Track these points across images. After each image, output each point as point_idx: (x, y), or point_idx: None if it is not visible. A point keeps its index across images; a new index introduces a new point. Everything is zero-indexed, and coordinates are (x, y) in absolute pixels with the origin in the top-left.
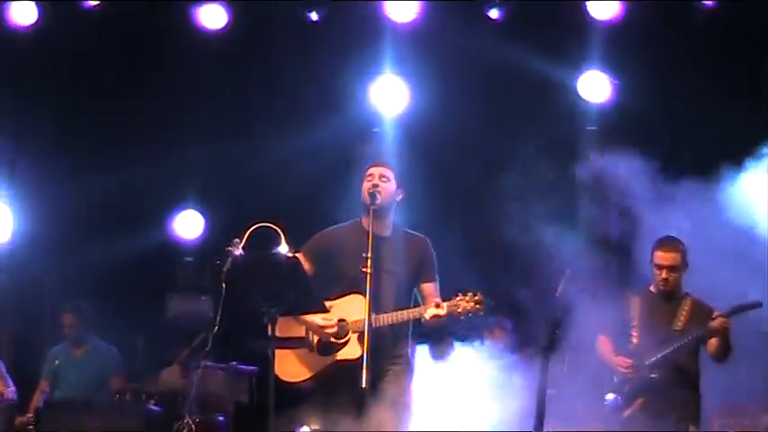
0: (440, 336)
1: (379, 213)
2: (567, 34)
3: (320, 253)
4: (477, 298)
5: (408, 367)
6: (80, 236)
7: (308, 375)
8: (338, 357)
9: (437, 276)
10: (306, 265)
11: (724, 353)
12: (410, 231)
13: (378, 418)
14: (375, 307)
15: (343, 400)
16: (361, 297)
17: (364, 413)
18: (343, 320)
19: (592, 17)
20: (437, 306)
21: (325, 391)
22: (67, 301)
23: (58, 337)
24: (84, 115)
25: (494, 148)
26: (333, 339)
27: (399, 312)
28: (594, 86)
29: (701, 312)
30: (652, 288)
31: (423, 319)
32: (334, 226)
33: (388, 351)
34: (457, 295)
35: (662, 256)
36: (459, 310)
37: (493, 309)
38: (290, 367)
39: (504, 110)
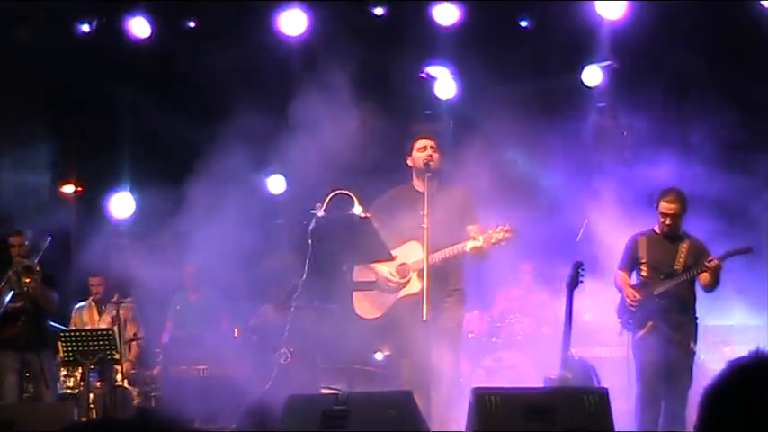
0: None
1: (430, 177)
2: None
3: (384, 212)
4: (506, 228)
5: (463, 299)
6: None
7: (381, 312)
8: (402, 294)
9: (478, 218)
10: (375, 223)
11: (713, 286)
12: (453, 185)
13: (438, 344)
14: (430, 250)
15: (410, 330)
16: (417, 243)
17: (427, 340)
18: (405, 263)
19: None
20: (475, 240)
21: (395, 324)
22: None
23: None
24: None
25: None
26: (397, 279)
27: (446, 249)
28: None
29: (697, 250)
30: (656, 229)
31: (467, 253)
32: (393, 189)
33: (444, 286)
34: (489, 228)
35: (666, 207)
36: (493, 240)
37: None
38: (366, 306)
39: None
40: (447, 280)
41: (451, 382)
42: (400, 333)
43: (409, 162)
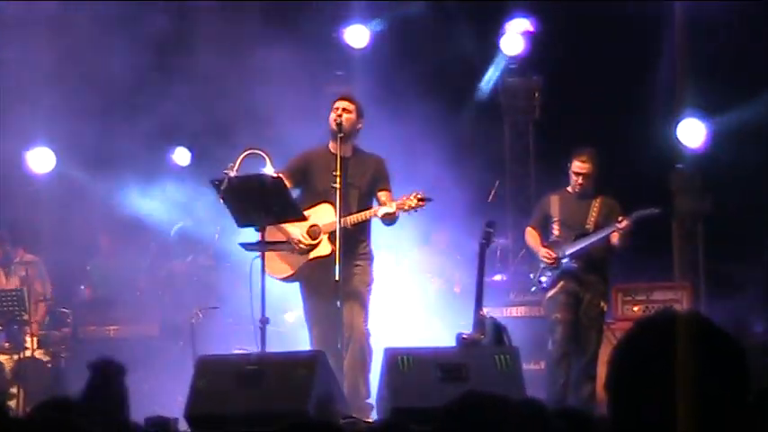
0: None
1: (343, 139)
2: None
3: (297, 172)
4: (419, 196)
5: (371, 263)
6: None
7: (291, 272)
8: (312, 255)
9: (390, 186)
10: (287, 183)
11: (625, 246)
12: (367, 152)
13: (348, 304)
14: (342, 213)
15: (319, 291)
16: (329, 205)
17: (337, 301)
18: (316, 225)
19: None
20: (388, 206)
21: (308, 284)
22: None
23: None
24: None
25: None
26: (308, 240)
27: (359, 214)
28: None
29: (610, 209)
30: (569, 189)
31: (378, 217)
32: (307, 149)
33: (354, 250)
34: (403, 196)
35: (578, 166)
36: (406, 207)
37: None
38: (277, 265)
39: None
40: (356, 244)
41: (362, 343)
42: (309, 294)
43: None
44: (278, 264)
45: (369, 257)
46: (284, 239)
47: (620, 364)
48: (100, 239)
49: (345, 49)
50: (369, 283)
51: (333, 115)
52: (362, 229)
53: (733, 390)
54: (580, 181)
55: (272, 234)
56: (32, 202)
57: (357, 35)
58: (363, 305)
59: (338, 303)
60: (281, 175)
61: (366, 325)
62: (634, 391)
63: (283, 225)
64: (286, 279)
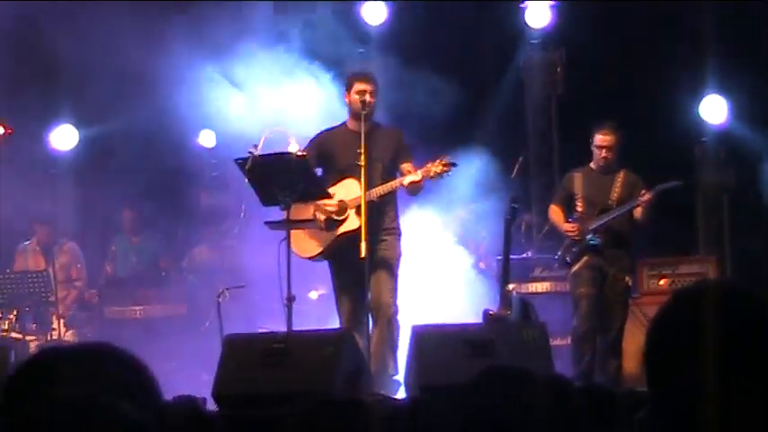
0: None
1: (365, 118)
2: None
3: (319, 149)
4: (444, 161)
5: (399, 236)
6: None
7: (320, 250)
8: (341, 231)
9: (412, 156)
10: (310, 162)
11: (647, 221)
12: (385, 125)
13: (376, 279)
14: (366, 187)
15: (348, 267)
16: (354, 180)
17: (365, 277)
18: (342, 201)
19: None
20: (413, 174)
21: (336, 261)
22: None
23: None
24: None
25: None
26: (334, 216)
27: (385, 185)
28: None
29: (633, 183)
30: (592, 165)
31: (404, 188)
32: (324, 129)
33: (381, 222)
34: (428, 162)
35: (601, 139)
36: (431, 173)
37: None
38: (304, 245)
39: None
40: (384, 217)
41: (390, 318)
42: (339, 271)
43: (346, 100)
44: (306, 243)
45: (396, 232)
46: (310, 217)
47: (658, 335)
48: (123, 215)
49: (364, 25)
50: (397, 258)
51: (356, 97)
52: (389, 202)
53: None
54: (603, 154)
55: (299, 212)
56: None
57: (374, 12)
58: (391, 280)
59: (366, 279)
60: (304, 153)
61: (394, 300)
62: (671, 363)
63: (309, 203)
64: (315, 257)
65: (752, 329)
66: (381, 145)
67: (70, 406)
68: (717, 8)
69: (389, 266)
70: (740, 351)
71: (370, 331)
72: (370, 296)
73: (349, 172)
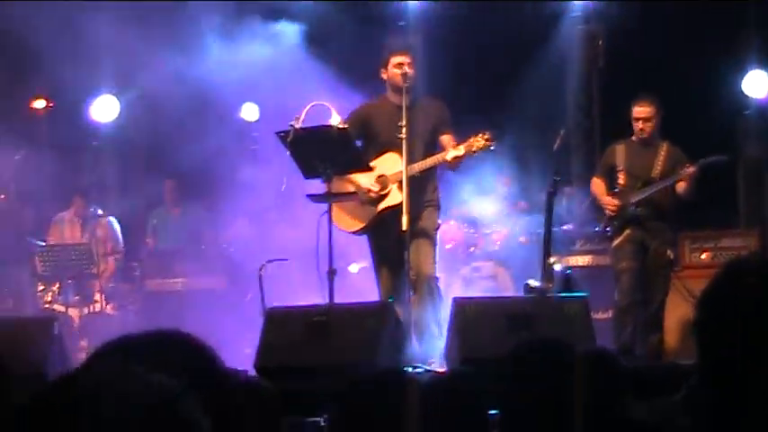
0: None
1: (406, 90)
2: None
3: (360, 123)
4: (486, 136)
5: (438, 208)
6: None
7: (362, 225)
8: (383, 206)
9: (452, 129)
10: (351, 135)
11: (690, 195)
12: (427, 97)
13: (416, 249)
14: (408, 161)
15: (390, 241)
16: (395, 154)
17: (405, 250)
18: (383, 175)
19: None
20: (455, 148)
21: (377, 235)
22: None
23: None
24: None
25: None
26: (377, 191)
27: (427, 159)
28: None
29: (676, 156)
30: (633, 138)
31: (446, 162)
32: (366, 102)
33: (422, 196)
34: (470, 137)
35: (638, 111)
36: (474, 148)
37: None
38: (347, 219)
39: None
40: (424, 190)
41: (431, 286)
42: (380, 244)
43: (384, 75)
44: (348, 217)
45: (436, 204)
46: (352, 191)
47: (708, 308)
48: (164, 187)
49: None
50: (435, 229)
51: (398, 71)
52: (430, 175)
53: None
54: (641, 125)
55: (340, 186)
56: (97, 156)
57: None
58: (432, 249)
59: (406, 254)
60: (345, 126)
61: (435, 269)
62: (720, 335)
63: (351, 176)
64: (357, 232)
65: None
66: (422, 118)
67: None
68: None
69: (429, 237)
70: None
71: (412, 300)
72: (409, 267)
73: (390, 146)
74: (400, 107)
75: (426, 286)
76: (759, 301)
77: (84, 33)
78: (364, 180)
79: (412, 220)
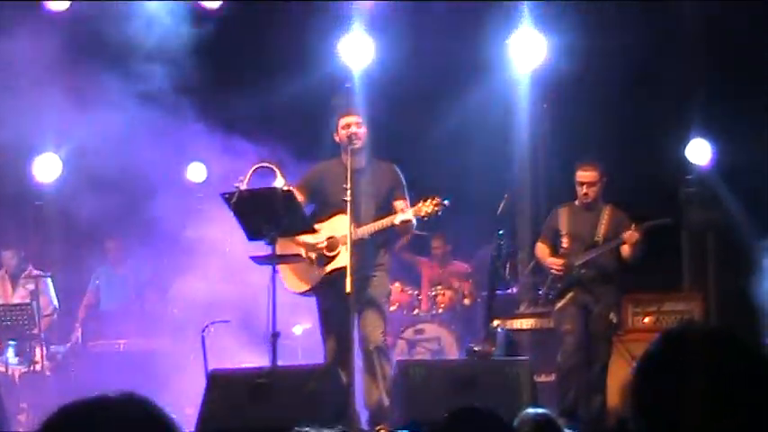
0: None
1: (356, 152)
2: None
3: (312, 184)
4: (436, 201)
5: (388, 274)
6: None
7: (309, 286)
8: (330, 268)
9: (406, 193)
10: (300, 196)
11: (634, 258)
12: (381, 160)
13: (367, 316)
14: (358, 224)
15: (339, 303)
16: (345, 216)
17: (353, 313)
18: (333, 237)
19: None
20: (403, 212)
21: (324, 297)
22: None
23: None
24: None
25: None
26: (325, 252)
27: (376, 223)
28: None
29: (619, 220)
30: (577, 202)
31: (395, 226)
32: (319, 163)
33: (371, 260)
34: (419, 201)
35: (581, 175)
36: (422, 213)
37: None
38: (295, 280)
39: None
40: (375, 254)
41: (380, 355)
42: (327, 306)
43: (336, 138)
44: (296, 278)
45: (385, 268)
46: (296, 253)
47: (644, 373)
48: (107, 245)
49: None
50: (387, 295)
51: (343, 132)
52: (382, 239)
53: (756, 407)
54: (584, 190)
55: (288, 246)
56: (39, 216)
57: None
58: (381, 318)
59: (353, 315)
60: (293, 188)
61: (384, 336)
62: (655, 400)
63: (300, 238)
64: (305, 293)
65: (735, 375)
66: (376, 180)
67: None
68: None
69: (378, 305)
70: (722, 395)
71: (360, 366)
72: (359, 333)
73: (340, 207)
74: (353, 169)
75: (375, 355)
76: (697, 368)
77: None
78: (312, 239)
79: (362, 285)
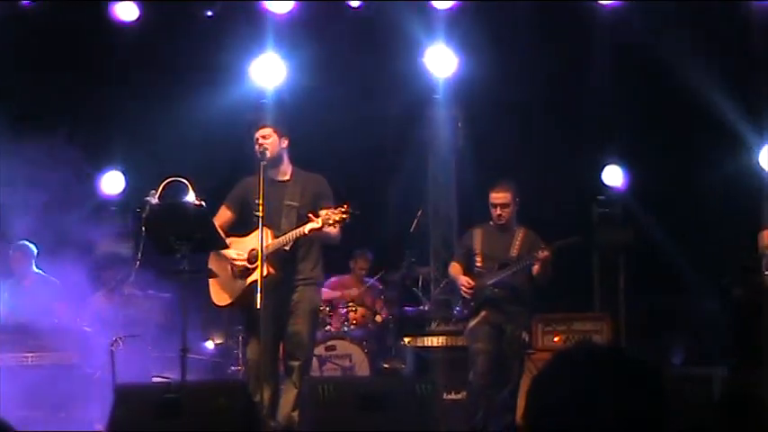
0: None
1: (271, 164)
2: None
3: (239, 198)
4: (343, 208)
5: (316, 287)
6: None
7: (231, 299)
8: (250, 280)
9: (333, 205)
10: (229, 212)
11: (545, 278)
12: (308, 172)
13: (291, 330)
14: (277, 235)
15: (255, 316)
16: (268, 229)
17: (275, 324)
18: (254, 249)
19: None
20: (313, 221)
21: (246, 309)
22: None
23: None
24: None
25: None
26: (247, 265)
27: (288, 234)
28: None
29: (532, 240)
30: (492, 222)
31: (307, 236)
32: (246, 177)
33: (295, 271)
34: (330, 209)
35: (495, 197)
36: (330, 220)
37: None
38: (219, 293)
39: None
40: (301, 266)
41: (304, 368)
42: (248, 319)
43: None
44: (221, 291)
45: (313, 281)
46: (221, 266)
47: (538, 397)
48: (11, 258)
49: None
50: (313, 309)
51: (256, 146)
52: (307, 252)
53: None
54: (498, 211)
55: (218, 262)
56: None
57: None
58: (305, 331)
59: (274, 329)
60: (202, 202)
61: (309, 352)
62: (550, 422)
63: (224, 252)
64: (227, 306)
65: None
66: (299, 191)
67: None
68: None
69: (304, 317)
70: (607, 409)
71: (283, 381)
72: (284, 347)
73: (265, 219)
74: (276, 181)
75: (296, 373)
76: (580, 388)
77: None
78: (233, 252)
79: (287, 298)
